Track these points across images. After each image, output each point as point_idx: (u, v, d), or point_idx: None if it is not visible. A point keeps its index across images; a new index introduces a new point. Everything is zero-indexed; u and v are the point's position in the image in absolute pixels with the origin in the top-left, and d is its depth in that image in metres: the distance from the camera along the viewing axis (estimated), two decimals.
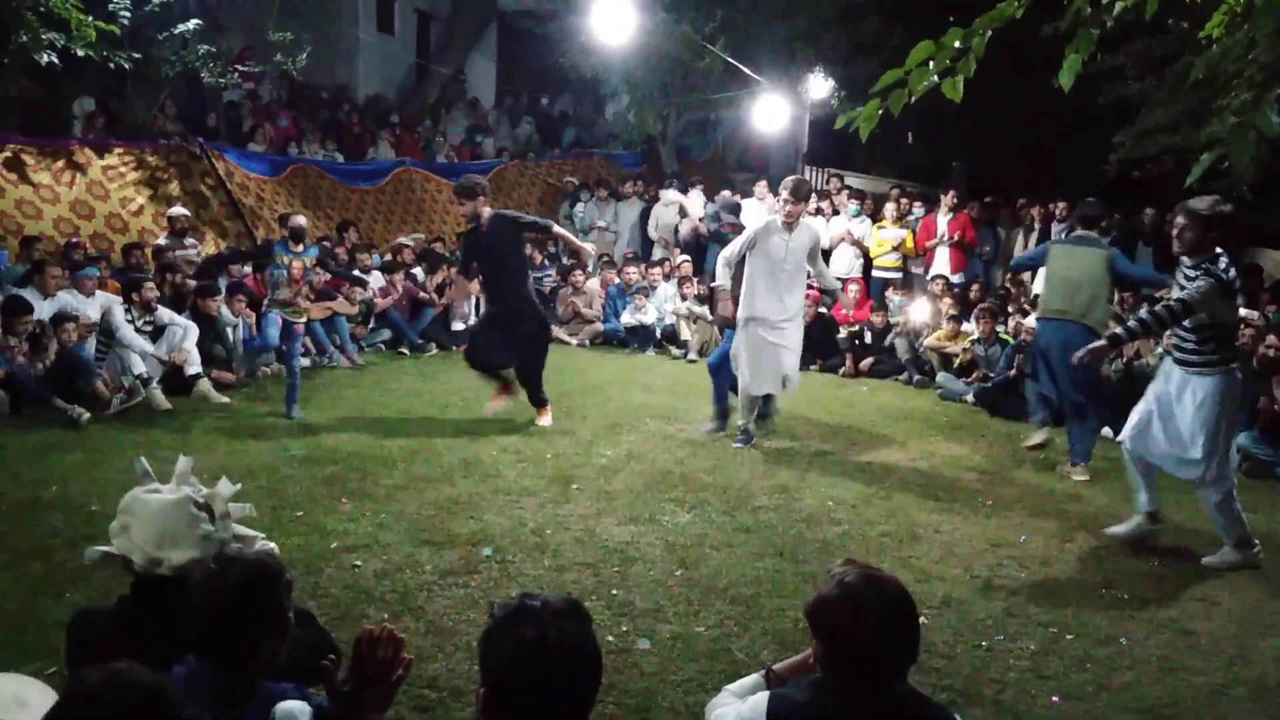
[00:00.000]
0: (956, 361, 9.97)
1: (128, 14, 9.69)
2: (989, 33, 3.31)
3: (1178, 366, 5.41)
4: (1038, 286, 11.61)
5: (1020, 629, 4.44)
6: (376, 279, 11.27)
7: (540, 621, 1.83)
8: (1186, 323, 5.28)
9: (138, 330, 8.20)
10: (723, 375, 7.68)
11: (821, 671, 2.15)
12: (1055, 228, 12.04)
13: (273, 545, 2.83)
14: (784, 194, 7.27)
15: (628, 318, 11.94)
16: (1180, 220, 5.32)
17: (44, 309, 7.96)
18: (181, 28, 10.86)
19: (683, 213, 13.28)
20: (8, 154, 10.31)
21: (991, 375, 9.45)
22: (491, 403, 7.89)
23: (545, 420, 7.77)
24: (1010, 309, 10.68)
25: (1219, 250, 5.24)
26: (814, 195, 13.61)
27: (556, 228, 8.32)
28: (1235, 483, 5.45)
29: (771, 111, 15.01)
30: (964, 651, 4.19)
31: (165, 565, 2.50)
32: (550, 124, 19.63)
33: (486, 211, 7.59)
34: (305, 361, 8.91)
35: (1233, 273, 5.28)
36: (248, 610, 2.16)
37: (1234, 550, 5.39)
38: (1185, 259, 5.33)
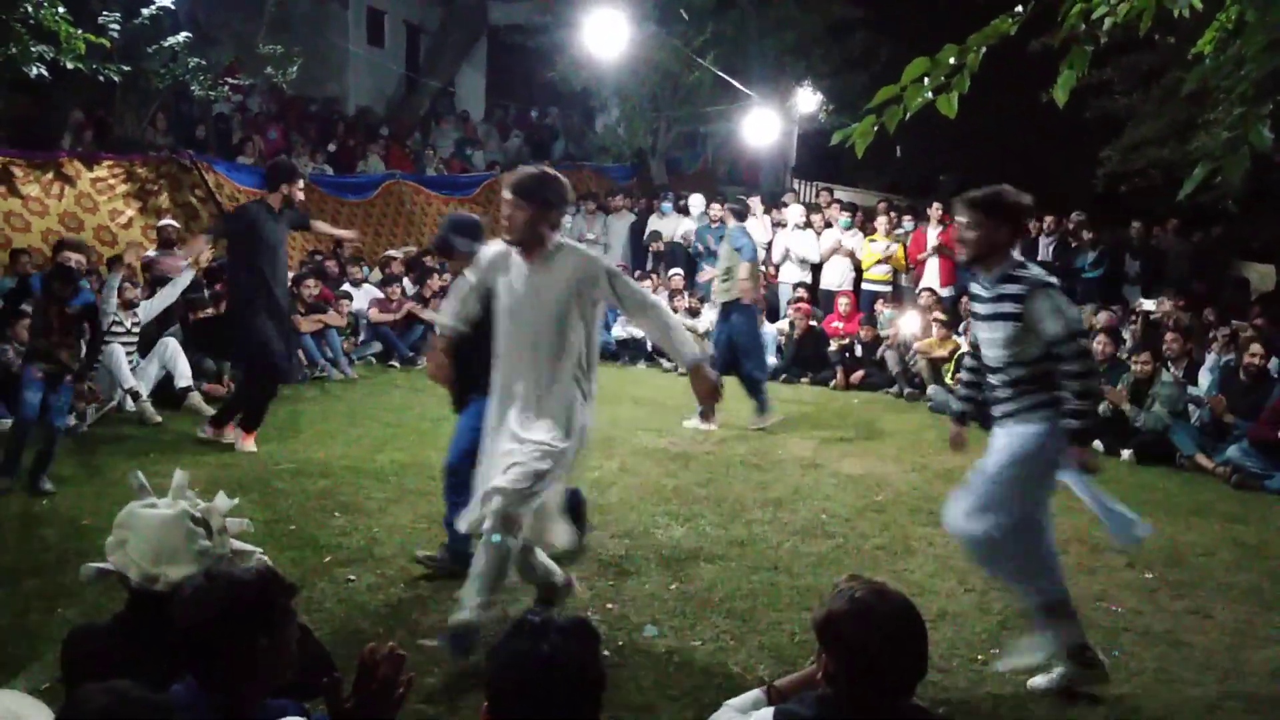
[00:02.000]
0: (948, 370, 9.96)
1: (117, 27, 9.67)
2: (984, 49, 3.34)
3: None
4: None
5: (1015, 642, 4.43)
6: (369, 291, 11.26)
7: (537, 636, 1.83)
8: (1000, 362, 4.10)
9: (128, 331, 8.12)
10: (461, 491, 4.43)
11: (829, 687, 2.15)
12: (1044, 241, 12.10)
13: (266, 558, 2.81)
14: (504, 193, 4.05)
15: (618, 330, 11.92)
16: (963, 219, 3.92)
17: None
18: (171, 40, 10.84)
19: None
20: None
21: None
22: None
23: (245, 444, 7.05)
24: None
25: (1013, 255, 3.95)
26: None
27: (316, 223, 7.98)
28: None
29: (761, 125, 15.06)
30: (960, 665, 4.19)
31: (162, 581, 2.48)
32: (540, 137, 19.68)
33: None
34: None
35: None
36: (247, 624, 2.14)
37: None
38: (982, 277, 3.98)
